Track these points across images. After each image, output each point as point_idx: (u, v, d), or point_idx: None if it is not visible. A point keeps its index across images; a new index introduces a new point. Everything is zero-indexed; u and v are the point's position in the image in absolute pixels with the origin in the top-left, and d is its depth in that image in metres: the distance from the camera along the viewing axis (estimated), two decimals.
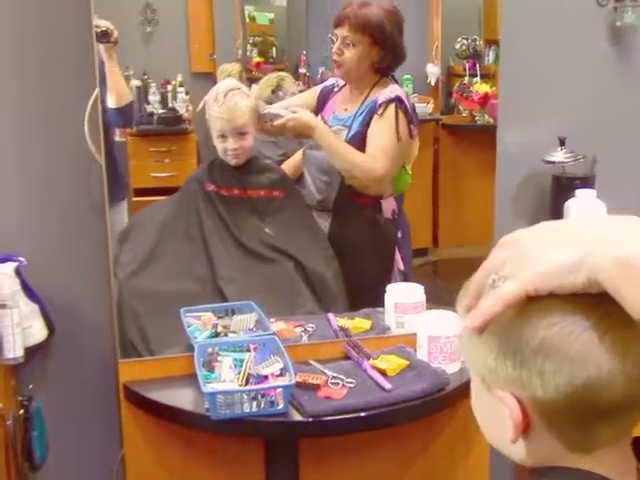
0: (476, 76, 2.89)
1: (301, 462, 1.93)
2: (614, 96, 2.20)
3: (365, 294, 2.27)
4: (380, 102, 2.21)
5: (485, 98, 2.77)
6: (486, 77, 2.88)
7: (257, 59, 2.77)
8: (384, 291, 2.13)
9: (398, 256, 2.36)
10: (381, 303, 2.24)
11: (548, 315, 0.76)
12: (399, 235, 2.37)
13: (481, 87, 2.81)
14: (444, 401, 1.85)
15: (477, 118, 2.80)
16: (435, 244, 2.93)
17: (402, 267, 2.36)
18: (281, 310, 2.16)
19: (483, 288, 0.81)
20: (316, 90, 2.42)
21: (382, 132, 2.21)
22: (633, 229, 0.72)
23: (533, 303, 0.76)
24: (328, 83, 2.40)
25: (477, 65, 2.91)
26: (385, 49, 2.24)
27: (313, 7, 2.81)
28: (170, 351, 2.00)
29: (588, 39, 2.16)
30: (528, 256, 0.76)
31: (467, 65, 2.89)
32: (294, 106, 2.36)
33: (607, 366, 0.74)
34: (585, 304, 0.75)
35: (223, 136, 2.23)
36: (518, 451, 0.82)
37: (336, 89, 2.37)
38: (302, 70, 2.78)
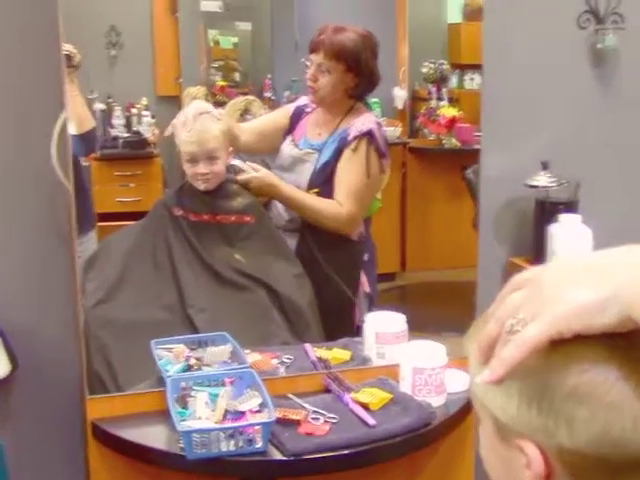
0: (442, 100, 2.88)
1: None
2: (596, 119, 2.17)
3: (330, 317, 2.23)
4: (353, 135, 2.20)
5: (452, 121, 2.78)
6: (452, 101, 2.88)
7: (221, 83, 2.75)
8: (349, 315, 2.14)
9: (364, 279, 2.33)
10: (346, 327, 2.25)
11: (578, 361, 0.70)
12: (365, 258, 2.35)
13: (448, 111, 2.82)
14: (430, 436, 1.78)
15: (444, 141, 2.80)
16: (403, 268, 2.90)
17: (368, 290, 2.33)
18: (254, 340, 2.09)
19: (496, 339, 0.74)
20: (289, 110, 2.38)
21: (352, 171, 2.20)
22: None
23: (559, 347, 0.70)
24: (301, 103, 2.37)
25: (442, 89, 2.91)
26: (360, 75, 2.22)
27: (279, 31, 2.78)
28: (140, 386, 1.91)
29: (569, 62, 2.13)
30: (549, 296, 0.71)
31: (433, 89, 2.89)
32: (266, 128, 2.37)
33: None
34: (616, 347, 0.69)
35: (193, 160, 2.17)
36: None
37: (308, 109, 2.34)
38: (267, 94, 2.75)
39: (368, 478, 1.89)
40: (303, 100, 2.36)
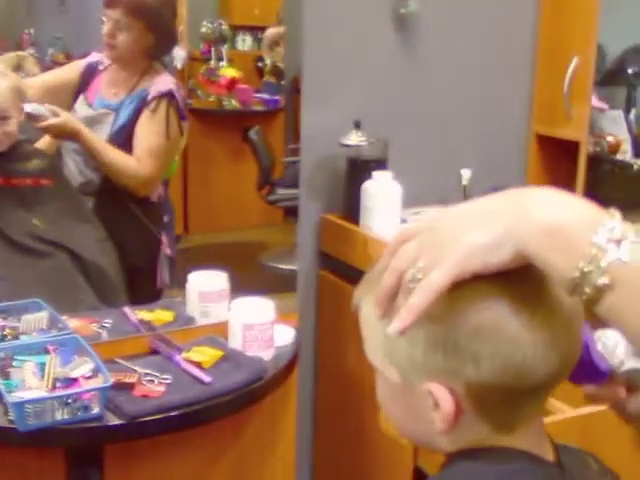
0: (222, 60, 2.88)
1: (106, 470, 1.77)
2: (401, 81, 2.28)
3: (132, 280, 2.19)
4: (153, 95, 2.14)
5: (232, 82, 2.77)
6: (231, 61, 2.89)
7: None
8: (152, 277, 2.12)
9: (165, 241, 2.30)
10: (148, 290, 2.24)
11: (477, 300, 0.75)
12: (165, 219, 2.32)
13: (228, 71, 2.81)
14: (262, 390, 1.80)
15: (224, 103, 2.79)
16: (186, 231, 2.89)
17: (169, 252, 2.31)
18: (61, 307, 1.99)
19: (395, 290, 0.77)
20: (78, 66, 2.25)
21: (151, 132, 2.15)
22: (546, 198, 0.72)
23: (457, 289, 0.74)
24: (92, 59, 2.25)
25: (223, 50, 2.91)
26: (159, 35, 2.16)
27: None
28: None
29: (376, 26, 2.21)
30: (446, 241, 0.74)
31: (205, 49, 2.88)
32: (53, 83, 2.23)
33: (541, 345, 0.75)
34: (509, 283, 0.75)
35: None
36: (440, 440, 0.81)
37: (101, 67, 2.24)
38: (30, 50, 2.60)
39: (197, 436, 1.88)
40: (95, 56, 2.24)
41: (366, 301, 0.83)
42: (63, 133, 2.10)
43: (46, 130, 2.09)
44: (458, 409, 0.77)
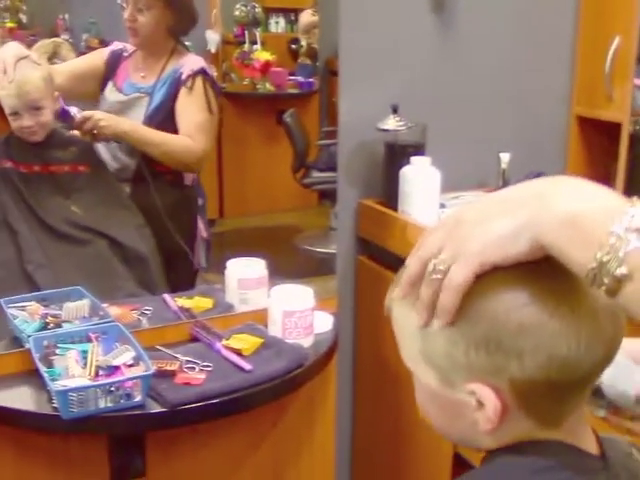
0: (256, 43, 2.87)
1: (148, 456, 1.79)
2: (439, 65, 2.25)
3: (169, 265, 2.19)
4: (187, 74, 2.16)
5: (266, 66, 2.76)
6: (264, 44, 2.88)
7: (9, 24, 2.56)
8: (188, 259, 2.16)
9: (201, 223, 2.32)
10: (185, 273, 2.26)
11: (518, 296, 0.74)
12: (200, 202, 2.34)
13: (262, 54, 2.80)
14: (302, 377, 1.80)
15: (258, 86, 2.78)
16: (221, 215, 2.90)
17: (205, 234, 2.32)
18: (101, 294, 2.00)
19: (418, 277, 0.77)
20: (103, 53, 2.27)
21: (193, 107, 2.17)
22: (568, 188, 0.71)
23: (494, 286, 0.74)
24: (115, 47, 2.27)
25: (257, 33, 2.89)
26: (179, 11, 2.17)
27: None
28: None
29: (414, 8, 2.18)
30: (466, 234, 0.74)
31: (238, 32, 2.86)
32: (79, 71, 2.25)
33: (585, 336, 0.74)
34: (547, 276, 0.73)
35: (16, 113, 2.02)
36: (483, 439, 0.80)
37: (125, 54, 2.25)
38: (64, 36, 2.60)
39: (236, 423, 1.89)
40: (117, 45, 2.26)
41: (398, 304, 0.82)
42: (103, 121, 2.10)
43: (85, 121, 2.09)
44: (504, 408, 0.76)
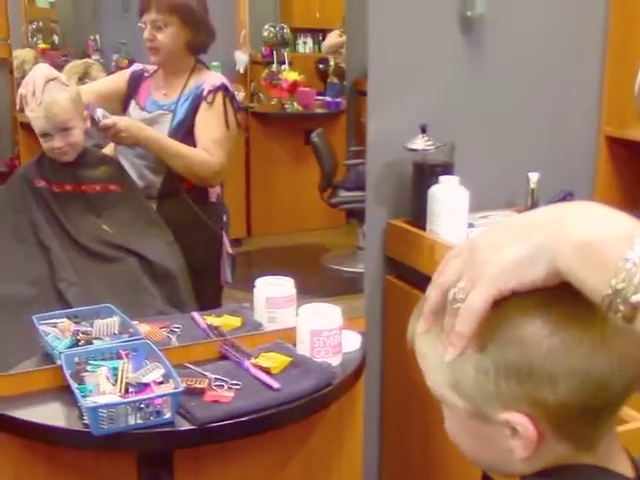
0: (284, 63, 2.89)
1: (177, 474, 1.80)
2: (467, 84, 2.26)
3: (196, 281, 2.22)
4: (208, 90, 2.20)
5: (294, 86, 2.78)
6: (292, 65, 2.90)
7: (42, 45, 2.60)
8: (215, 277, 2.18)
9: (226, 240, 2.34)
10: (212, 290, 2.29)
11: (546, 322, 0.73)
12: (224, 219, 2.36)
13: (290, 75, 2.82)
14: (330, 396, 1.80)
15: (287, 106, 2.80)
16: (249, 234, 2.91)
17: (230, 250, 2.34)
18: (130, 311, 2.02)
19: (440, 306, 0.78)
20: (125, 74, 2.32)
21: (212, 122, 2.21)
22: (586, 214, 0.70)
23: (512, 310, 0.74)
24: (136, 68, 2.31)
25: (285, 53, 2.92)
26: (196, 27, 2.21)
27: None
28: (24, 364, 1.81)
29: (441, 29, 2.20)
30: (483, 260, 0.73)
31: (266, 53, 2.89)
32: (105, 91, 2.29)
33: (617, 357, 0.74)
34: (572, 302, 0.73)
35: (46, 135, 2.06)
36: (517, 465, 0.79)
37: (146, 74, 2.29)
38: (95, 57, 2.64)
39: (266, 441, 1.89)
40: (138, 65, 2.31)
41: (421, 336, 0.82)
42: (129, 127, 2.14)
43: (111, 127, 2.12)
44: (539, 435, 0.75)
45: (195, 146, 2.18)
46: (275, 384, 1.73)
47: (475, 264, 0.74)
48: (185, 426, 1.61)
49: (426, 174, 2.12)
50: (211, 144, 2.19)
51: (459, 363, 0.77)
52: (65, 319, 1.87)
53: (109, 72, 2.38)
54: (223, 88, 2.20)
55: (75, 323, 1.88)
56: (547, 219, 0.72)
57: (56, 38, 2.65)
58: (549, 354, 0.72)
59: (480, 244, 0.75)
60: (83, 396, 1.59)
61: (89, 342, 1.81)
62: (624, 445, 0.84)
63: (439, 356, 0.78)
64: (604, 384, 0.74)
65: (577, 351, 0.73)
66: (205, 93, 2.19)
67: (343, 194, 2.73)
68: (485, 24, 2.23)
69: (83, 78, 2.40)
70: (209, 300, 2.24)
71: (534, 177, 2.22)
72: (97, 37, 2.58)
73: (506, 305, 0.73)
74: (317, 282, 2.70)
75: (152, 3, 2.15)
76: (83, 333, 1.84)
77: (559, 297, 0.73)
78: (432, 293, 0.78)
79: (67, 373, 1.65)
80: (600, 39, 2.40)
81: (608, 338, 0.73)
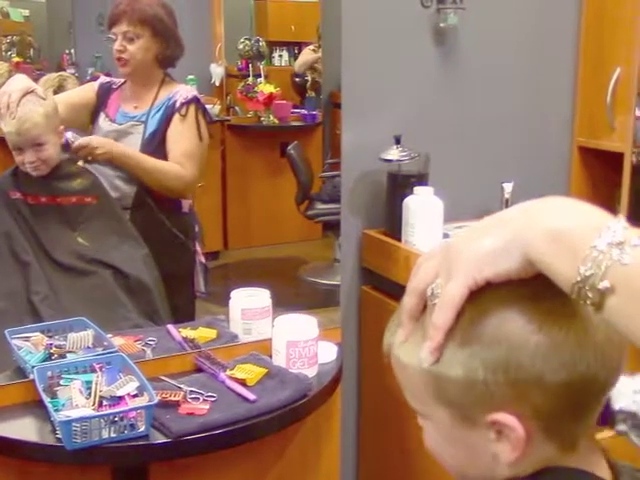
0: (260, 76, 2.90)
1: None
2: (440, 95, 2.27)
3: (170, 291, 2.20)
4: (181, 102, 2.19)
5: (270, 98, 2.79)
6: (268, 77, 2.91)
7: (17, 59, 2.59)
8: (188, 286, 2.20)
9: (199, 249, 2.34)
10: (186, 300, 2.29)
11: (526, 316, 0.73)
12: (196, 229, 2.36)
13: (265, 87, 2.82)
14: (306, 407, 1.79)
15: (263, 119, 2.80)
16: (225, 246, 2.90)
17: (203, 260, 2.34)
18: (105, 324, 2.00)
19: (417, 311, 0.78)
20: (93, 86, 2.30)
21: (185, 135, 2.21)
22: (556, 205, 0.72)
23: (504, 310, 0.74)
24: (104, 81, 2.30)
25: (261, 66, 2.92)
26: (166, 40, 2.21)
27: (80, 3, 2.66)
28: None
29: (415, 40, 2.21)
30: (457, 253, 0.74)
31: (242, 66, 2.89)
32: (74, 102, 2.25)
33: (600, 348, 0.74)
34: (553, 297, 0.73)
35: (18, 149, 2.04)
36: (504, 471, 0.78)
37: (114, 86, 2.28)
38: (70, 70, 2.63)
39: (244, 455, 1.88)
40: (105, 78, 2.30)
41: (400, 346, 0.80)
42: (101, 144, 2.14)
43: (84, 146, 2.12)
44: (528, 434, 0.75)
45: (166, 158, 2.18)
46: (251, 396, 1.72)
47: (450, 259, 0.74)
48: (160, 439, 1.60)
49: (401, 185, 2.13)
50: (183, 157, 2.19)
51: (444, 367, 0.75)
52: (38, 333, 1.85)
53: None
54: (195, 101, 2.21)
55: (48, 337, 1.86)
56: (518, 213, 0.73)
57: (31, 52, 2.65)
58: (537, 351, 0.72)
59: (453, 242, 0.76)
60: (56, 410, 1.57)
61: (62, 356, 1.79)
62: (603, 447, 0.84)
63: (421, 364, 0.77)
64: (590, 378, 0.74)
65: (564, 346, 0.73)
66: (178, 105, 2.19)
67: (319, 206, 2.73)
68: (458, 35, 2.24)
69: (58, 91, 2.39)
70: (183, 310, 2.24)
71: (508, 187, 2.23)
72: (72, 51, 2.57)
73: (489, 301, 0.74)
74: (294, 295, 2.69)
75: (123, 15, 2.16)
76: (56, 347, 1.82)
77: (541, 292, 0.73)
78: (408, 299, 0.78)
79: (40, 387, 1.63)
80: (573, 50, 2.42)
81: (591, 332, 0.74)
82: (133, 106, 2.24)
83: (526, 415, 0.74)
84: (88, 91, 2.29)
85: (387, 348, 0.83)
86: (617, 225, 0.67)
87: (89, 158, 2.14)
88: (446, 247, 0.76)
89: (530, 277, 0.72)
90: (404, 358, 0.80)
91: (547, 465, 0.78)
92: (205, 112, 2.24)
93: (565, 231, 0.68)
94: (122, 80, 2.25)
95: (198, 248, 2.33)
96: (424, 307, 0.78)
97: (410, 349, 0.78)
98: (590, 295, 0.67)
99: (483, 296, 0.73)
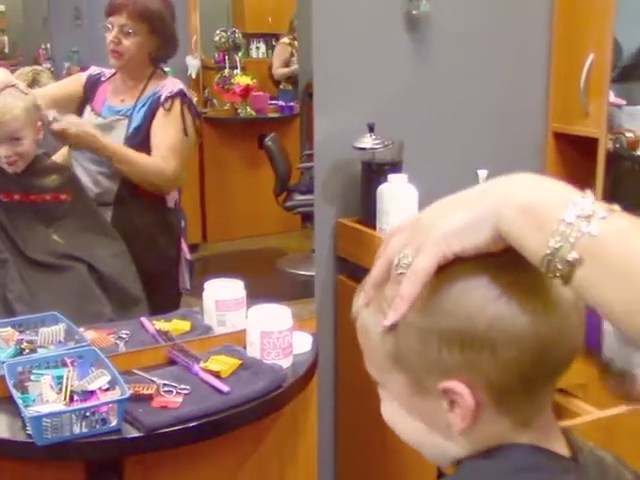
0: (236, 68, 2.88)
1: None
2: (413, 83, 2.26)
3: (154, 287, 2.19)
4: (166, 96, 2.17)
5: (247, 90, 2.77)
6: (245, 69, 2.89)
7: None
8: (173, 282, 2.17)
9: (184, 245, 2.32)
10: (170, 295, 2.27)
11: (490, 289, 0.74)
12: (182, 224, 2.34)
13: (242, 79, 2.81)
14: (281, 398, 1.78)
15: (239, 111, 2.79)
16: (204, 239, 2.89)
17: (188, 256, 2.32)
18: (80, 319, 1.99)
19: (382, 280, 0.78)
20: (81, 78, 2.28)
21: (169, 129, 2.18)
22: (527, 180, 0.72)
23: (455, 277, 0.74)
24: (93, 72, 2.27)
25: (237, 58, 2.90)
26: (163, 38, 2.19)
27: None
28: None
29: (388, 28, 2.20)
30: (428, 227, 0.74)
31: (219, 58, 2.88)
32: (60, 95, 2.24)
33: (557, 326, 0.75)
34: (516, 269, 0.74)
35: None
36: (457, 445, 0.79)
37: (103, 78, 2.26)
38: (46, 65, 2.61)
39: (217, 445, 1.86)
40: (95, 69, 2.27)
41: (364, 310, 0.82)
42: (80, 134, 2.09)
43: (62, 132, 2.07)
44: (477, 404, 0.75)
45: (150, 153, 2.15)
46: (225, 388, 1.71)
47: (420, 232, 0.75)
48: (132, 433, 1.58)
49: (375, 173, 2.12)
50: (166, 151, 2.16)
51: (402, 331, 0.76)
52: (9, 328, 1.83)
53: (61, 79, 2.34)
54: (181, 94, 2.18)
55: (20, 332, 1.84)
56: (490, 188, 0.73)
57: (6, 47, 2.62)
58: (493, 321, 0.73)
59: (424, 215, 0.76)
60: (26, 406, 1.55)
61: (34, 351, 1.77)
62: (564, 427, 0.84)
63: (381, 327, 0.78)
64: (544, 354, 0.74)
65: (520, 318, 0.73)
66: (162, 99, 2.16)
67: (298, 197, 2.73)
68: (431, 22, 2.23)
69: (32, 86, 2.36)
70: (168, 307, 2.19)
71: (483, 174, 2.23)
72: (48, 45, 2.55)
73: (453, 272, 0.74)
74: (273, 286, 2.68)
75: (124, 7, 2.12)
76: (27, 342, 1.79)
77: (504, 265, 0.74)
78: (375, 268, 0.78)
79: (10, 383, 1.61)
80: (546, 35, 2.42)
81: (551, 306, 0.74)
82: (120, 99, 2.22)
83: (478, 386, 0.75)
84: (75, 84, 2.26)
85: (355, 314, 0.84)
86: (585, 199, 0.68)
87: (66, 143, 2.12)
88: (416, 220, 0.76)
89: (499, 251, 0.72)
90: (367, 321, 0.81)
91: (500, 442, 0.78)
92: (191, 106, 2.21)
93: (534, 205, 0.69)
94: (112, 71, 2.22)
95: (183, 244, 2.31)
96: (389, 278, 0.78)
97: (373, 313, 0.80)
98: (559, 267, 0.68)
99: (451, 269, 0.74)
